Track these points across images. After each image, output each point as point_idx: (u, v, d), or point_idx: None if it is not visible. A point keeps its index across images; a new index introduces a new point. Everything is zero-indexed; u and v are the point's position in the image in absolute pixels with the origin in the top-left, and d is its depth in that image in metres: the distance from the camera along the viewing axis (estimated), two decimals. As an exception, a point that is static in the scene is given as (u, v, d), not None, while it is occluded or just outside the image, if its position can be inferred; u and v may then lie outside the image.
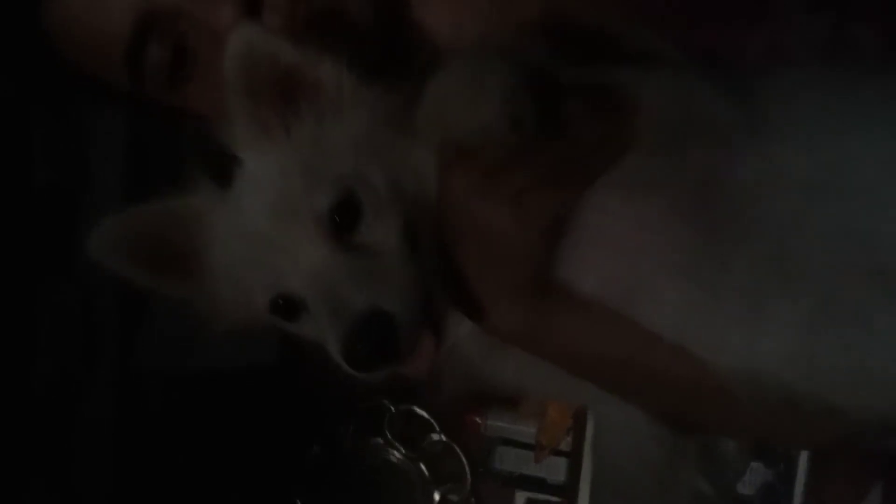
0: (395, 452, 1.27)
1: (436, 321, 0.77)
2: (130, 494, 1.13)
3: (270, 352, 1.16)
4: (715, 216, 0.81)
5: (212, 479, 1.18)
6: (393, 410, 1.26)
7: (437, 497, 1.27)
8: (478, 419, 1.26)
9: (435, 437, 1.27)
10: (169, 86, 0.94)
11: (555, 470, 1.26)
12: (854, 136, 0.83)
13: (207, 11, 0.90)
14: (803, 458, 1.20)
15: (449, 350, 0.88)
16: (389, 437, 1.27)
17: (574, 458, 1.25)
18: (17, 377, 1.06)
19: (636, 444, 0.95)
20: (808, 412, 0.82)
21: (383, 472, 1.28)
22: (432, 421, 1.27)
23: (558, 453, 1.24)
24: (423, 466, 1.27)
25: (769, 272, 0.80)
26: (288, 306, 0.80)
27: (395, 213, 0.77)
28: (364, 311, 0.72)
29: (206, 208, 0.85)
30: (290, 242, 0.78)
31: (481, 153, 0.76)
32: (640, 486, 0.95)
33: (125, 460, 1.13)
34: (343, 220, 0.77)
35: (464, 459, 1.27)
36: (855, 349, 0.80)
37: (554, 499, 1.26)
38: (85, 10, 0.92)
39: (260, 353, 1.15)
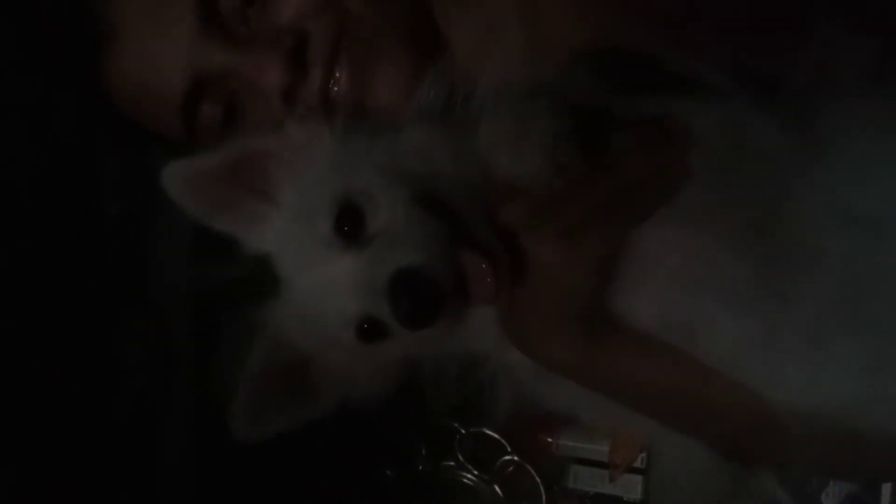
0: (468, 474, 1.27)
1: (484, 248, 0.77)
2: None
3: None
4: (774, 249, 0.80)
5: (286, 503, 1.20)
6: (463, 432, 1.26)
7: (512, 518, 1.26)
8: (549, 439, 1.25)
9: (507, 458, 1.26)
10: (220, 141, 0.98)
11: (631, 488, 1.23)
12: None
13: (256, 71, 0.95)
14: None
15: (503, 371, 0.89)
16: (461, 459, 1.27)
17: (649, 475, 1.24)
18: (98, 405, 1.10)
19: (696, 474, 0.93)
20: (872, 446, 0.80)
21: (457, 495, 1.27)
22: (503, 442, 1.26)
23: (633, 471, 1.22)
24: (496, 488, 1.26)
25: (832, 307, 0.79)
26: (371, 328, 0.82)
27: (398, 189, 0.80)
28: (389, 276, 0.74)
29: (276, 316, 0.89)
30: (329, 276, 0.81)
31: (528, 192, 0.77)
32: None
33: (204, 483, 1.15)
34: (351, 226, 0.80)
35: (537, 479, 1.26)
36: None
37: (631, 517, 1.24)
38: (139, 71, 0.96)
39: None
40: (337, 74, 0.96)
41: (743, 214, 0.80)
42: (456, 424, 1.26)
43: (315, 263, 0.82)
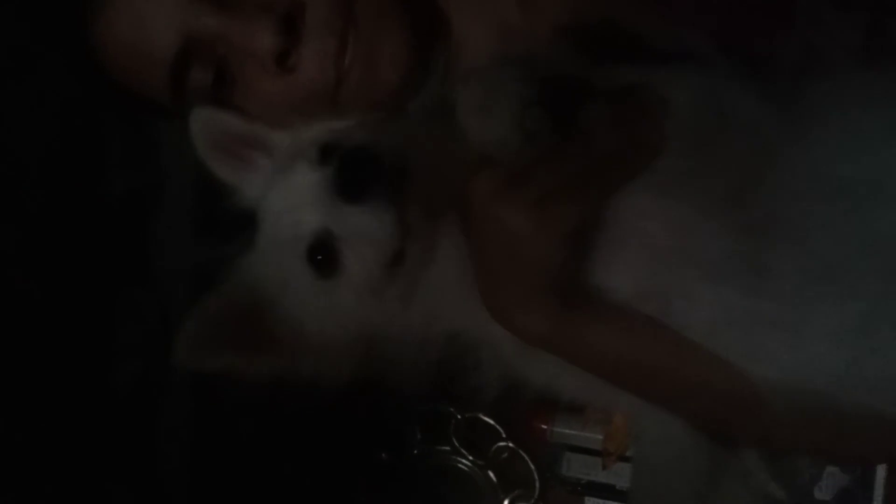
0: (463, 459, 1.28)
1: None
2: (206, 496, 1.16)
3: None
4: (754, 219, 0.79)
5: (281, 486, 1.21)
6: (459, 417, 1.27)
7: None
8: (544, 426, 1.25)
9: (501, 444, 1.27)
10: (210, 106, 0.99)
11: (624, 476, 1.23)
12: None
13: (246, 37, 0.95)
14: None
15: (486, 349, 0.89)
16: (456, 444, 1.27)
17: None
18: (97, 384, 1.11)
19: (677, 454, 0.92)
20: (854, 424, 0.79)
21: (452, 479, 1.28)
22: (498, 428, 1.27)
23: (626, 459, 1.22)
24: (490, 473, 1.27)
25: (812, 278, 0.78)
26: (324, 258, 0.87)
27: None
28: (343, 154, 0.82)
29: (244, 262, 0.94)
30: (296, 188, 0.87)
31: (501, 162, 0.77)
32: (681, 496, 0.93)
33: (201, 463, 1.16)
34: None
35: (531, 466, 1.26)
36: None
37: (623, 505, 1.24)
38: (129, 34, 0.97)
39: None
40: (335, 46, 0.96)
41: (723, 184, 0.79)
42: (452, 409, 1.27)
43: (288, 177, 0.87)
